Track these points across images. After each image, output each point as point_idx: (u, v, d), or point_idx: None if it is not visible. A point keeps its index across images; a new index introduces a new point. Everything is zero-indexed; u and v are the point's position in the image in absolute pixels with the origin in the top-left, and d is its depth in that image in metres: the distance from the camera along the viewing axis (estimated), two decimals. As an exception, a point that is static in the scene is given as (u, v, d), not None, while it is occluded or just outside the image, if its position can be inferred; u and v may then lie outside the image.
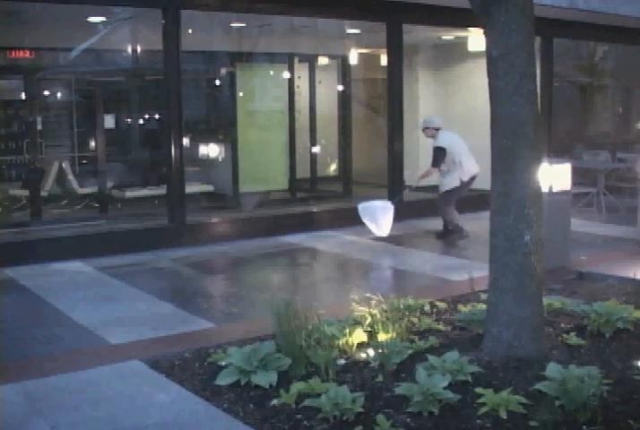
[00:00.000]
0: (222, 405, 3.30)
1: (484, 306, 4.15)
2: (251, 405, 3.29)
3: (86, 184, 9.16)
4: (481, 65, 4.00)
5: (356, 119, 10.64)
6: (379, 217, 7.57)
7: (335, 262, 7.06)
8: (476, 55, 9.23)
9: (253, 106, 9.72)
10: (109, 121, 9.64)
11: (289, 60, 10.04)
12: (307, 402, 3.19)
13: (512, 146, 3.76)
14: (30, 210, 8.44)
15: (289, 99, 10.05)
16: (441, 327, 4.25)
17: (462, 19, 7.55)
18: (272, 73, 9.93)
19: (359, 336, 3.93)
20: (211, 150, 10.04)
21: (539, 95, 3.97)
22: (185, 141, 8.26)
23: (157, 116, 10.05)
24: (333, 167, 10.82)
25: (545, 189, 5.36)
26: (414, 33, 9.15)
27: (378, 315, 4.05)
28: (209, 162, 10.01)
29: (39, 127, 8.92)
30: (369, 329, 4.04)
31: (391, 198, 8.36)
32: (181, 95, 7.25)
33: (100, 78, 9.24)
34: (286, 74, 10.03)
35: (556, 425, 2.97)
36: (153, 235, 7.36)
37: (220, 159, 9.89)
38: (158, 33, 7.30)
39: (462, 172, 7.73)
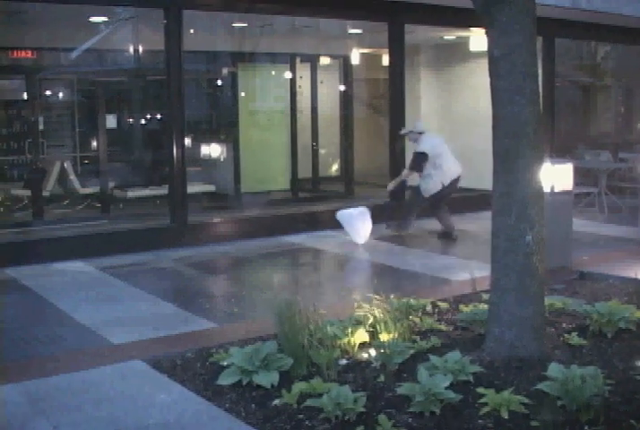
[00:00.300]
0: (224, 405, 3.29)
1: (486, 306, 4.15)
2: (253, 405, 3.29)
3: (88, 184, 9.13)
4: (483, 65, 4.00)
5: (358, 119, 10.61)
6: (356, 224, 7.57)
7: (337, 262, 7.04)
8: (478, 55, 9.24)
9: (255, 106, 9.77)
10: (111, 121, 9.63)
11: (290, 60, 10.03)
12: (308, 402, 3.18)
13: (513, 146, 3.75)
14: (31, 210, 8.43)
15: (290, 99, 10.04)
16: (443, 327, 4.24)
17: (464, 19, 7.58)
18: (273, 73, 9.96)
19: (361, 336, 3.92)
20: (212, 150, 10.03)
21: (541, 95, 3.94)
22: (187, 141, 8.24)
23: (159, 116, 10.03)
24: (335, 167, 10.83)
25: (547, 189, 5.34)
26: (416, 33, 9.14)
27: (380, 315, 4.04)
28: (211, 162, 9.99)
29: (41, 127, 8.94)
30: (371, 329, 4.03)
31: (392, 198, 8.35)
32: (183, 95, 7.26)
33: (102, 78, 9.23)
34: (288, 74, 10.03)
35: (557, 425, 2.96)
36: (155, 235, 7.35)
37: (221, 159, 9.88)
38: (160, 33, 7.30)
39: (443, 176, 7.77)
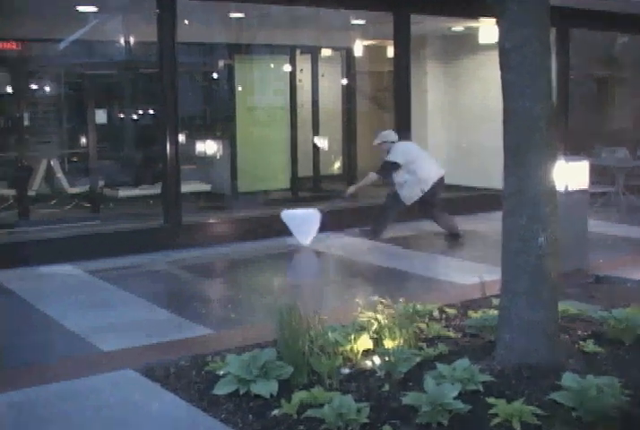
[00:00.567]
0: (220, 415, 3.28)
1: (496, 312, 4.15)
2: (250, 415, 3.28)
3: (76, 182, 9.13)
4: (493, 58, 3.99)
5: (361, 114, 10.59)
6: (302, 225, 7.65)
7: (339, 264, 7.09)
8: (488, 47, 9.20)
9: (252, 100, 9.72)
10: (101, 116, 9.61)
11: (290, 52, 10.00)
12: (309, 412, 3.17)
13: (525, 142, 3.74)
14: (17, 211, 8.41)
15: (290, 94, 10.00)
16: (451, 334, 4.24)
17: (473, 8, 7.63)
18: (272, 65, 9.90)
19: (365, 343, 3.92)
20: (208, 147, 10.04)
21: (554, 89, 3.93)
22: (181, 137, 8.26)
23: (151, 112, 10.04)
24: (337, 164, 10.83)
25: (561, 188, 5.36)
26: (423, 24, 9.11)
27: (385, 321, 4.05)
28: (206, 160, 10.01)
29: (27, 123, 8.86)
30: (375, 335, 4.02)
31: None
32: (177, 89, 7.26)
33: (91, 71, 9.20)
34: (287, 67, 10.00)
35: (572, 437, 3.16)
36: (148, 236, 7.36)
37: (217, 157, 9.92)
38: (152, 24, 7.26)
39: (420, 182, 7.85)
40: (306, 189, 10.25)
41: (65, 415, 3.37)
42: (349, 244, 7.80)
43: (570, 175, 5.75)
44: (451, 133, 10.90)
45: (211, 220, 7.95)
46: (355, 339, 3.89)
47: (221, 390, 3.50)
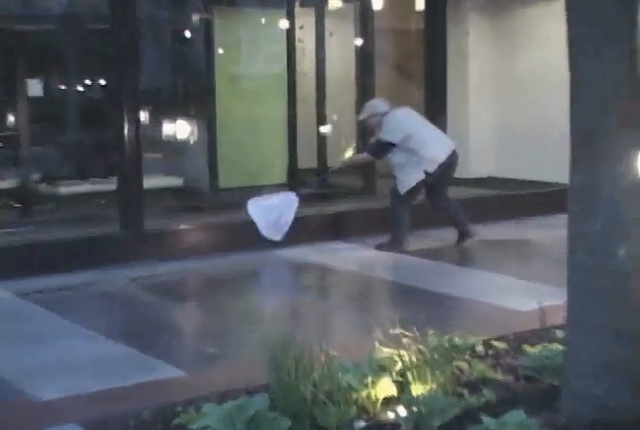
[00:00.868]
0: (193, 489, 3.43)
1: (560, 347, 4.15)
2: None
3: (2, 175, 9.11)
4: (557, 10, 4.04)
5: (381, 87, 10.47)
6: (275, 215, 8.02)
7: (351, 283, 7.22)
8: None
9: (237, 68, 9.72)
10: (35, 87, 9.61)
11: (287, 4, 9.94)
12: (313, 482, 3.35)
13: (600, 120, 3.65)
14: None
15: (287, 59, 9.93)
16: (499, 376, 4.21)
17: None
18: (263, 21, 9.90)
19: (386, 388, 3.89)
20: (179, 129, 10.13)
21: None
22: (143, 116, 8.42)
23: (103, 82, 10.06)
24: (350, 152, 10.44)
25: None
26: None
27: (412, 359, 4.03)
28: (176, 146, 10.10)
29: None
30: (400, 377, 4.01)
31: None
32: (136, 52, 7.49)
33: (21, 26, 9.10)
34: (284, 24, 9.95)
35: None
36: (99, 247, 7.41)
37: (191, 143, 10.01)
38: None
39: (424, 162, 8.03)
40: (308, 185, 9.97)
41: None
42: (362, 256, 7.92)
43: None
44: (502, 112, 10.97)
45: (182, 226, 8.01)
46: (373, 382, 3.84)
47: (196, 451, 3.68)
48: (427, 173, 8.02)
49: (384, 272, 7.53)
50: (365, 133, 9.95)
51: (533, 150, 10.42)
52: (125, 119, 7.42)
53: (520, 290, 6.48)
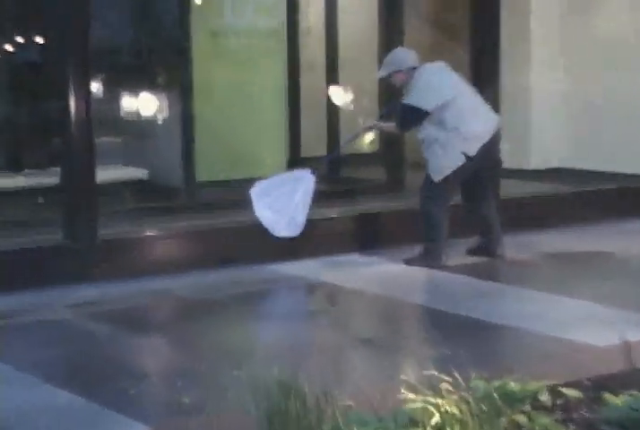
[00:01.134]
0: None
1: (654, 397, 4.31)
2: None
3: None
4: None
5: (410, 45, 9.59)
6: (290, 208, 8.15)
7: (373, 310, 7.24)
8: None
9: (220, 22, 9.68)
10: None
11: None
12: None
13: None
14: None
15: (288, 10, 10.00)
16: (572, 433, 4.46)
17: None
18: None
19: (418, 448, 4.15)
20: (143, 104, 9.99)
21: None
22: (96, 87, 8.32)
23: (40, 40, 9.97)
24: (370, 137, 10.25)
25: None
26: None
27: (453, 410, 3.94)
28: (140, 127, 10.02)
29: None
30: (437, 435, 4.42)
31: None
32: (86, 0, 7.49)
33: None
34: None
35: None
36: (37, 261, 7.34)
37: (160, 122, 9.91)
38: None
39: (464, 141, 7.95)
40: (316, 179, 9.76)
41: None
42: (387, 273, 7.97)
43: None
44: (576, 85, 10.89)
45: (148, 233, 8.01)
46: (402, 440, 4.05)
47: None
48: (467, 156, 7.92)
49: (416, 295, 7.51)
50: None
51: (617, 134, 10.46)
52: (71, 90, 7.29)
53: (596, 319, 6.41)
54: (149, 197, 9.56)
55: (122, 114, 10.12)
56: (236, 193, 9.20)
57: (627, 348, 4.85)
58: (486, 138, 7.96)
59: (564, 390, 4.66)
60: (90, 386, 5.28)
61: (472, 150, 7.89)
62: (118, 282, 7.44)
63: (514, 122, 9.76)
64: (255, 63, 9.98)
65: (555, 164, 10.93)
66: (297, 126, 10.14)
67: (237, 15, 9.83)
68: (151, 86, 10.05)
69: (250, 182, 9.06)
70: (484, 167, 8.18)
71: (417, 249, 8.21)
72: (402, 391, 4.19)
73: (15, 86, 10.20)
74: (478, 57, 8.96)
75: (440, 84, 8.04)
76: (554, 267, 8.26)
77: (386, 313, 7.21)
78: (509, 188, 9.25)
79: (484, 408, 4.01)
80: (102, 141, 8.30)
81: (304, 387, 3.82)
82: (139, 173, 9.82)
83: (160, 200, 9.52)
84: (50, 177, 8.49)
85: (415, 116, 7.96)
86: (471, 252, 8.44)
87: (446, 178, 8.00)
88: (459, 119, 7.90)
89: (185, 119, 9.59)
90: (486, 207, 8.35)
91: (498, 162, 8.71)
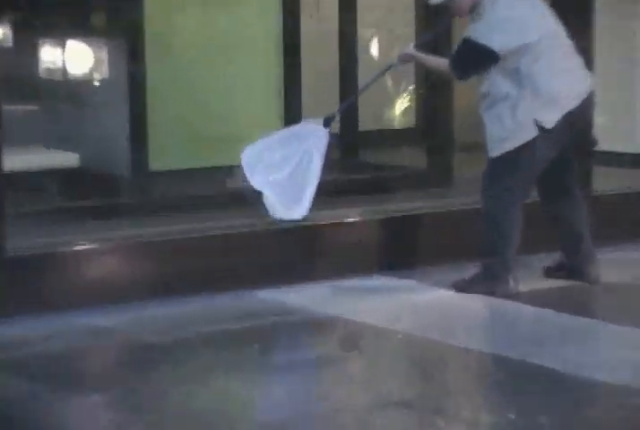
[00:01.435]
0: None
1: None
2: None
3: None
4: None
5: None
6: (298, 174, 8.22)
7: (406, 357, 7.08)
8: None
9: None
10: None
11: None
12: None
13: None
14: None
15: None
16: None
17: None
18: None
19: None
20: (73, 61, 9.68)
21: None
22: (1, 33, 8.63)
23: None
24: (403, 105, 10.63)
25: None
26: None
27: None
28: (69, 94, 9.69)
29: None
30: None
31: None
32: None
33: None
34: None
35: None
36: None
37: (97, 87, 9.72)
38: None
39: (542, 105, 7.60)
40: (329, 164, 9.56)
41: None
42: (429, 303, 7.80)
43: None
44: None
45: (79, 247, 7.71)
46: None
47: None
48: (542, 128, 7.55)
49: (470, 337, 7.14)
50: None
51: None
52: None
53: None
54: (81, 193, 9.19)
55: (42, 75, 9.89)
56: (206, 187, 9.33)
57: None
58: (573, 104, 7.60)
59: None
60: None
61: (551, 119, 7.54)
62: (38, 317, 7.23)
63: (611, 87, 9.72)
64: (234, 6, 9.83)
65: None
66: (296, 95, 9.85)
67: None
68: (85, 37, 9.71)
69: (224, 171, 9.16)
70: (568, 148, 7.79)
71: (472, 268, 7.91)
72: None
73: None
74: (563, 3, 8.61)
75: (522, 19, 7.70)
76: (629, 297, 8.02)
77: (428, 363, 6.88)
78: (604, 181, 9.18)
79: None
80: (12, 112, 8.06)
81: None
82: (67, 158, 9.42)
83: (98, 197, 9.14)
84: None
85: (479, 58, 7.66)
86: (551, 273, 8.18)
87: (515, 162, 7.69)
88: (541, 73, 7.58)
89: (134, 84, 9.34)
90: (570, 208, 8.06)
91: (590, 142, 8.35)
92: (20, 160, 8.43)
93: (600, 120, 8.82)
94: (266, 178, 8.12)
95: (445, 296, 7.94)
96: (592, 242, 8.11)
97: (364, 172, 10.34)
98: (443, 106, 10.07)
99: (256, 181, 8.09)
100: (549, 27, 7.77)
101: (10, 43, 9.45)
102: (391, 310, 7.65)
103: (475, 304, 7.82)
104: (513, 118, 7.66)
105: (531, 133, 7.59)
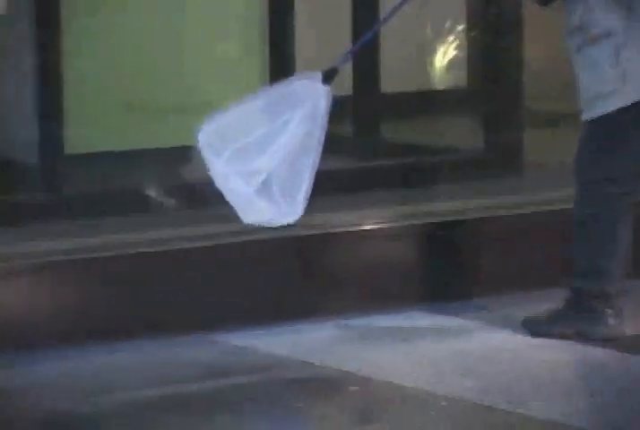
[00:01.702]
0: None
1: None
2: None
3: None
4: None
5: None
6: (284, 157, 7.70)
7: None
8: None
9: None
10: None
11: None
12: None
13: None
14: None
15: None
16: None
17: None
18: None
19: None
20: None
21: None
22: None
23: None
24: (447, 54, 10.17)
25: None
26: None
27: None
28: None
29: None
30: None
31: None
32: None
33: None
34: None
35: None
36: None
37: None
38: None
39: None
40: (335, 142, 9.41)
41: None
42: (486, 352, 7.46)
43: None
44: None
45: None
46: None
47: None
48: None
49: (556, 406, 6.52)
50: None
51: None
52: None
53: None
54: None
55: None
56: (148, 178, 9.05)
57: None
58: None
59: None
60: None
61: None
62: None
63: None
64: None
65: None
66: (286, 42, 9.51)
67: None
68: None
69: (177, 154, 8.70)
70: None
71: (555, 299, 7.61)
72: None
73: None
74: None
75: None
76: None
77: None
78: None
79: None
80: None
81: None
82: None
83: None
84: None
85: None
86: None
87: (620, 132, 7.41)
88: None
89: (45, 40, 9.14)
90: None
91: None
92: None
93: None
94: (237, 168, 7.58)
95: (514, 341, 7.73)
96: None
97: (388, 155, 9.87)
98: (508, 55, 9.64)
99: (221, 171, 7.52)
100: None
101: None
102: (431, 363, 7.35)
103: (558, 353, 7.59)
104: (616, 65, 7.42)
105: (634, 96, 7.47)
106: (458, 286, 8.50)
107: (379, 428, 7.05)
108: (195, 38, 10.40)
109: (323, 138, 7.59)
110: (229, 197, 7.57)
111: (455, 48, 10.22)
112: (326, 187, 8.55)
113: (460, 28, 10.46)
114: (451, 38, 10.47)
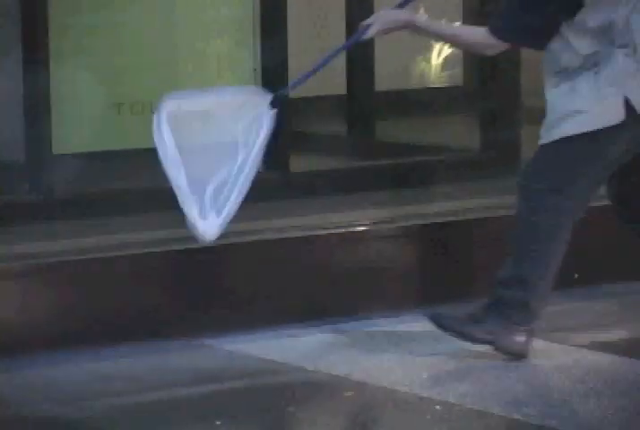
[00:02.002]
0: None
1: None
2: None
3: None
4: None
5: None
6: (220, 171, 7.53)
7: None
8: None
9: None
10: None
11: None
12: None
13: None
14: None
15: None
16: None
17: None
18: None
19: None
20: None
21: None
22: None
23: None
24: (443, 52, 10.40)
25: None
26: None
27: None
28: None
29: None
30: None
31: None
32: None
33: None
34: None
35: None
36: None
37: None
38: None
39: (628, 73, 7.27)
40: (329, 142, 9.63)
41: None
42: (492, 356, 7.47)
43: None
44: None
45: None
46: None
47: None
48: (631, 107, 7.18)
49: (554, 411, 6.80)
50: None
51: None
52: None
53: None
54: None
55: None
56: (139, 178, 9.07)
57: None
58: None
59: None
60: None
61: None
62: None
63: None
64: None
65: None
66: (279, 38, 9.45)
67: None
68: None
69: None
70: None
71: (555, 299, 7.82)
72: None
73: None
74: None
75: None
76: None
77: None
78: None
79: None
80: None
81: None
82: None
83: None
84: None
85: (540, 7, 7.15)
86: None
87: (582, 152, 7.44)
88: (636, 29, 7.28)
89: (32, 39, 9.16)
90: None
91: None
92: None
93: None
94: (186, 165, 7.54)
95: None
96: None
97: (382, 155, 9.96)
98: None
99: (173, 159, 7.53)
100: None
101: None
102: (426, 368, 7.49)
103: (553, 358, 8.03)
104: (594, 90, 7.66)
105: (619, 116, 7.49)
106: (456, 287, 8.65)
107: (370, 435, 6.11)
108: (185, 37, 10.46)
109: (261, 156, 7.78)
110: (177, 191, 7.61)
111: (451, 46, 10.03)
112: (321, 188, 9.21)
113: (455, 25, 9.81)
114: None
